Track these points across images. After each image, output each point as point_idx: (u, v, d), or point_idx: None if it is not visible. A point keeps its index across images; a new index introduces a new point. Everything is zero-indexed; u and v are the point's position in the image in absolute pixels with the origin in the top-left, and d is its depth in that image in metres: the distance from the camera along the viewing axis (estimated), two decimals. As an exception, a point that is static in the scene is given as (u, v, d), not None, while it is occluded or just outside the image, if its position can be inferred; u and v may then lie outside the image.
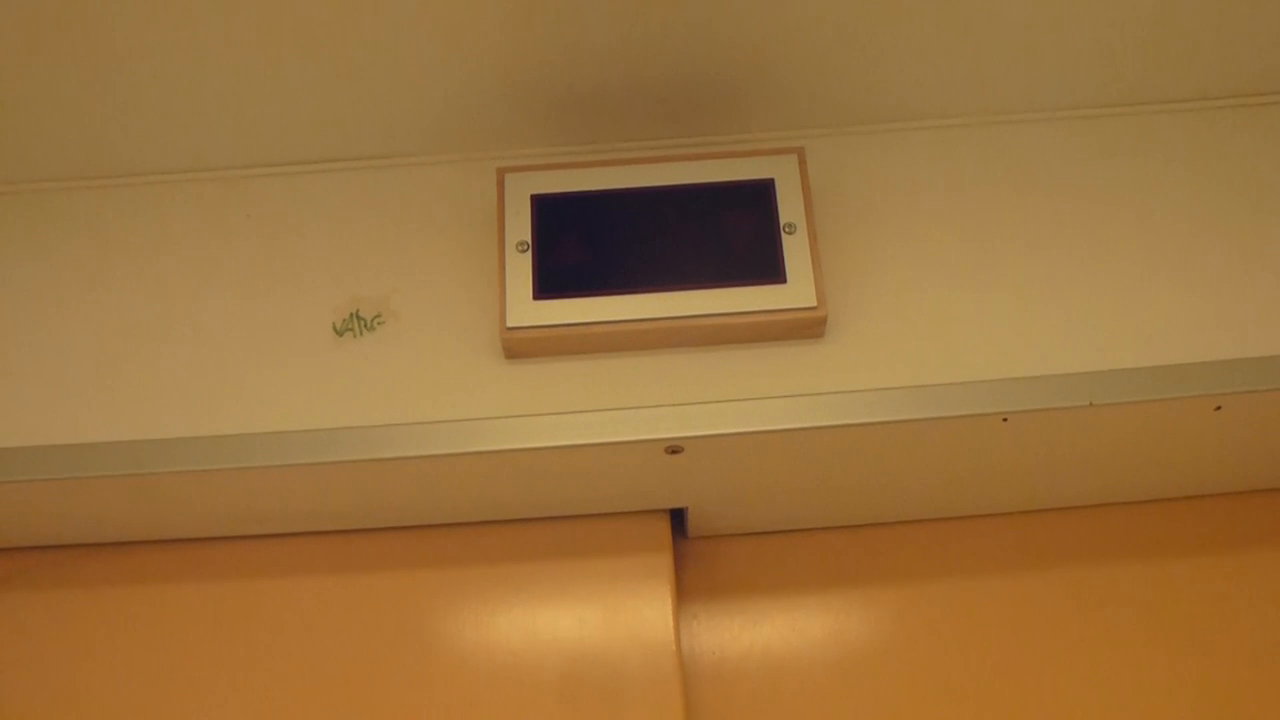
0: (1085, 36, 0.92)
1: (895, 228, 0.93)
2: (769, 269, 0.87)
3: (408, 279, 0.92)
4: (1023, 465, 0.93)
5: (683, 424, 0.82)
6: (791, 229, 0.88)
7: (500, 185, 0.91)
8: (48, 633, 0.95)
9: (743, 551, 1.03)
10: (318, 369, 0.88)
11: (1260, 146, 0.97)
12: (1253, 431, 0.90)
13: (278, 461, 0.83)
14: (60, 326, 0.92)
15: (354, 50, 0.89)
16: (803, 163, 0.91)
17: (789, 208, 0.89)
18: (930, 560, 1.02)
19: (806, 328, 0.87)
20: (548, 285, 0.87)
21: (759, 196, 0.89)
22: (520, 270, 0.87)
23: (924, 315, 0.89)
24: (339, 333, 0.90)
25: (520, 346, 0.87)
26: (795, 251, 0.87)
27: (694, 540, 1.04)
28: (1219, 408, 0.84)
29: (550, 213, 0.90)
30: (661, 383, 0.86)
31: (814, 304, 0.85)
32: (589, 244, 0.88)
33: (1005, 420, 0.83)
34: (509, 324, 0.85)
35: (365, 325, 0.90)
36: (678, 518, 1.00)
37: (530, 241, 0.88)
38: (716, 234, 0.88)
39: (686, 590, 1.01)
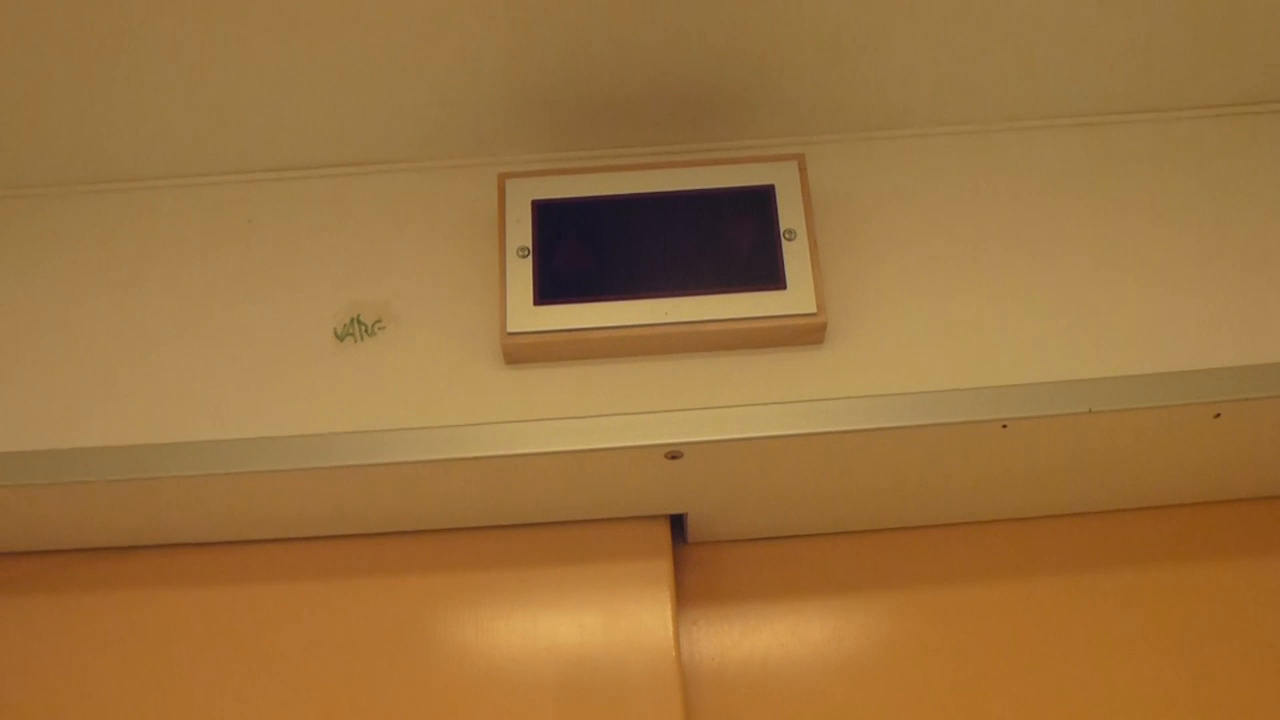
0: (1086, 44, 0.92)
1: (895, 234, 0.93)
2: (769, 275, 0.87)
3: (408, 284, 0.93)
4: (1022, 472, 0.93)
5: (683, 430, 0.82)
6: (792, 235, 0.88)
7: (501, 190, 0.91)
8: (49, 638, 0.95)
9: (743, 557, 1.03)
10: (318, 374, 0.89)
11: (1258, 154, 0.97)
12: (1252, 439, 0.90)
13: (278, 466, 0.83)
14: (61, 331, 0.92)
15: (355, 55, 0.89)
16: (803, 169, 0.91)
17: (789, 214, 0.89)
18: (930, 566, 1.02)
19: (806, 334, 0.87)
20: (548, 291, 0.87)
21: (759, 202, 0.89)
22: (521, 276, 0.87)
23: (924, 321, 0.89)
24: (340, 338, 0.90)
25: (521, 352, 0.87)
26: (795, 258, 0.87)
27: (694, 546, 1.04)
28: (1218, 415, 0.84)
29: (551, 218, 0.90)
30: (662, 388, 0.86)
31: (814, 310, 0.85)
32: (589, 249, 0.88)
33: (1005, 427, 0.83)
34: (509, 329, 0.86)
35: (366, 330, 0.90)
36: (678, 523, 1.00)
37: (531, 247, 0.88)
38: (717, 240, 0.88)
39: (686, 596, 1.01)
